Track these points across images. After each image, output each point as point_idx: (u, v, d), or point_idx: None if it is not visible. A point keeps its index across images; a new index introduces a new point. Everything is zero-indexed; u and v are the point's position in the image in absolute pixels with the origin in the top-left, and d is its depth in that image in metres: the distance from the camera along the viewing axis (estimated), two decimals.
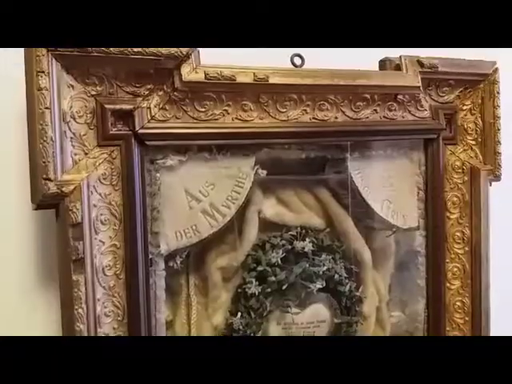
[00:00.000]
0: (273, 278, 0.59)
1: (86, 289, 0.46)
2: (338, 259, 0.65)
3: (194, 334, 0.62)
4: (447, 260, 0.67)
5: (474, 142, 0.67)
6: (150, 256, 0.53)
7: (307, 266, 0.62)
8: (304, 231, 0.64)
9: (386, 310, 0.72)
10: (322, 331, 0.65)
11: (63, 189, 0.45)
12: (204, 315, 0.62)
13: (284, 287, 0.60)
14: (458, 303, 0.68)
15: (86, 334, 0.46)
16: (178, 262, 0.56)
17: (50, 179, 0.44)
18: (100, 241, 0.48)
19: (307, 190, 0.65)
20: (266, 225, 0.63)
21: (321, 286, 0.61)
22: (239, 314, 0.60)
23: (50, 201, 0.45)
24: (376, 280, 0.71)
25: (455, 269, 0.68)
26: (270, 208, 0.63)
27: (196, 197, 0.55)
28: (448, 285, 0.68)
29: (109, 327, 0.49)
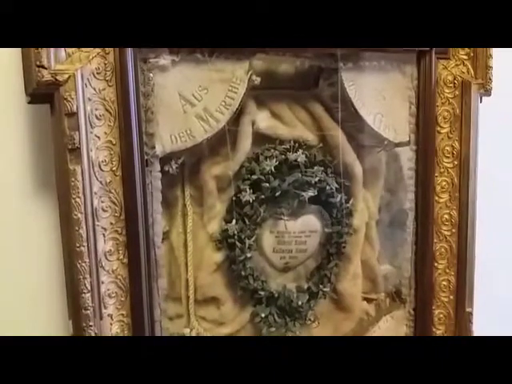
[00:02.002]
0: (266, 185, 0.61)
1: (82, 179, 0.47)
2: (330, 173, 0.66)
3: (189, 242, 0.64)
4: (436, 174, 0.69)
5: (466, 57, 0.67)
6: (146, 157, 0.54)
7: (300, 175, 0.63)
8: (297, 145, 0.65)
9: (376, 230, 0.75)
10: (313, 241, 0.67)
11: (57, 77, 0.45)
12: (199, 224, 0.64)
13: (277, 194, 0.61)
14: (446, 216, 0.70)
15: (83, 224, 0.47)
16: (174, 167, 0.57)
17: (43, 67, 0.44)
18: (96, 135, 0.48)
19: (300, 105, 0.66)
20: (260, 139, 0.64)
21: (312, 195, 0.63)
22: (234, 221, 0.62)
23: (44, 90, 0.45)
24: (366, 198, 0.72)
25: (444, 182, 0.69)
26: (263, 121, 0.63)
27: (189, 101, 0.56)
28: (436, 198, 0.69)
29: (106, 222, 0.50)
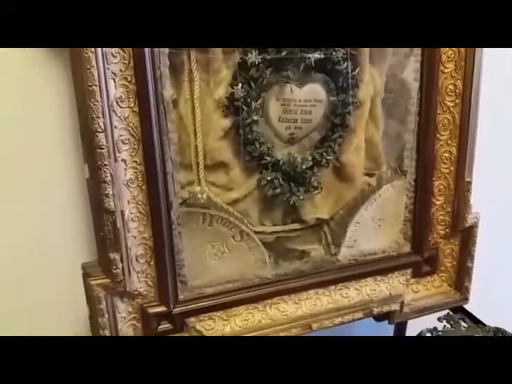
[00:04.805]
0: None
1: None
2: None
3: (197, 109, 0.65)
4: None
5: None
6: None
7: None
8: None
9: (381, 108, 0.76)
10: (318, 111, 0.69)
11: None
12: (206, 91, 0.65)
13: (283, 54, 0.62)
14: (451, 86, 0.70)
15: (94, 64, 0.49)
16: None
17: None
18: None
19: None
20: None
21: (318, 57, 0.63)
22: (240, 84, 0.63)
23: None
24: (373, 73, 0.73)
25: (450, 52, 0.69)
26: None
27: None
28: (442, 68, 0.70)
29: (116, 68, 0.52)
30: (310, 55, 0.63)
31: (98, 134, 0.51)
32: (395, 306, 0.75)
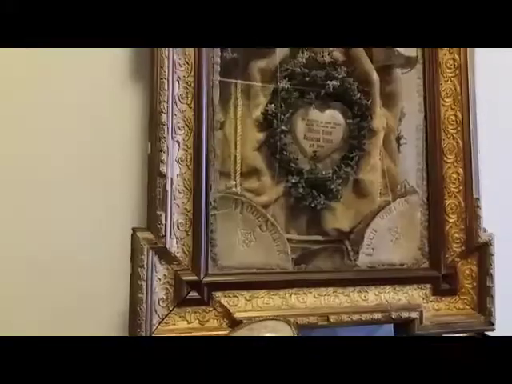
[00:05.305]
0: (298, 70, 0.79)
1: None
2: (351, 77, 0.83)
3: (239, 126, 0.82)
4: (441, 82, 0.84)
5: None
6: None
7: (326, 71, 0.81)
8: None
9: (396, 146, 0.89)
10: (338, 133, 0.83)
11: None
12: (247, 113, 0.82)
13: (307, 79, 0.79)
14: (452, 117, 0.83)
15: (166, 69, 0.68)
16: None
17: None
18: None
19: None
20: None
21: (336, 84, 0.80)
22: (273, 105, 0.80)
23: None
24: (387, 115, 0.87)
25: (448, 89, 0.84)
26: None
27: None
28: (442, 102, 0.84)
29: (181, 74, 0.70)
30: (329, 82, 0.80)
31: (162, 114, 0.67)
32: (414, 315, 0.77)
